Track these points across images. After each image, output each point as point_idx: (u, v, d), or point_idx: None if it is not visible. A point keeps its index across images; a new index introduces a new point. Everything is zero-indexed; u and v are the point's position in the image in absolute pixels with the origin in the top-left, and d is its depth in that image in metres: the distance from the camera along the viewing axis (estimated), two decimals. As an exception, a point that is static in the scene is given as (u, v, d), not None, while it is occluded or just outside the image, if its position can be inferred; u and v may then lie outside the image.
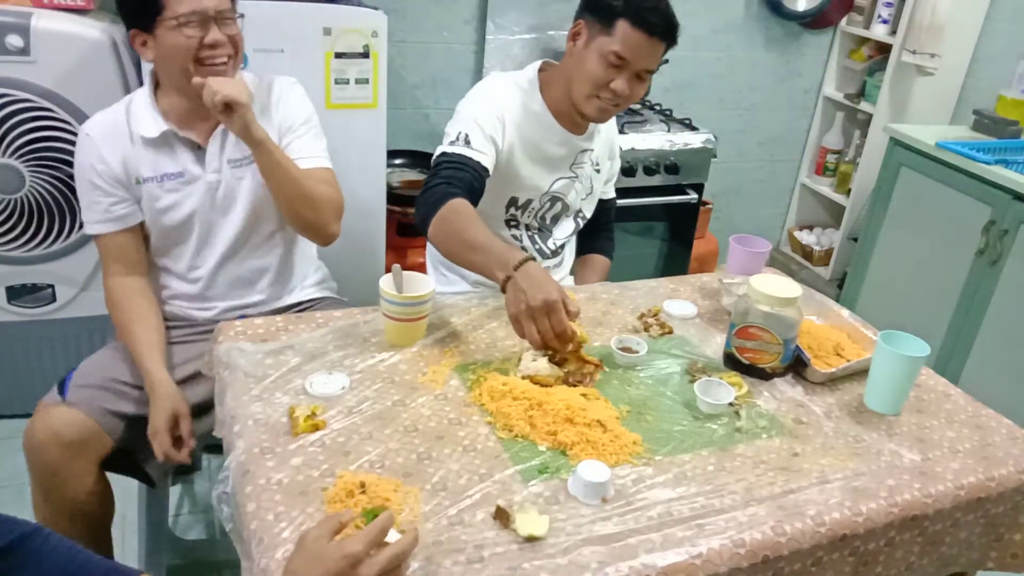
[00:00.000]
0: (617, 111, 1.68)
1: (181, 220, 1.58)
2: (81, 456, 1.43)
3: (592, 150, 1.79)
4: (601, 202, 1.92)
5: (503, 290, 1.34)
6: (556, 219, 1.81)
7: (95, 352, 1.59)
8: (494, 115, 1.63)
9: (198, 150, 1.57)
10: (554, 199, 1.77)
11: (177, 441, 1.46)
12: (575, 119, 1.69)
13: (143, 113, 1.54)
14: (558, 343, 1.29)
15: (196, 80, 1.43)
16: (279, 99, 1.63)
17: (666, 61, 2.90)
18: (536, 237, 1.80)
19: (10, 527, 0.90)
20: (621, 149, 1.92)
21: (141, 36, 1.47)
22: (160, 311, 1.60)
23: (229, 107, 1.41)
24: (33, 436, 1.42)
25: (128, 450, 1.50)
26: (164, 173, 1.55)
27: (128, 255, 1.58)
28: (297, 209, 1.55)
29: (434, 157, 1.62)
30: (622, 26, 1.52)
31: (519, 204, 1.74)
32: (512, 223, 1.77)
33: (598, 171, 1.83)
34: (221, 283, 1.65)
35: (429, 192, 1.52)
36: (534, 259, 1.33)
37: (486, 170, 1.58)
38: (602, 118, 1.67)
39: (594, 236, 1.97)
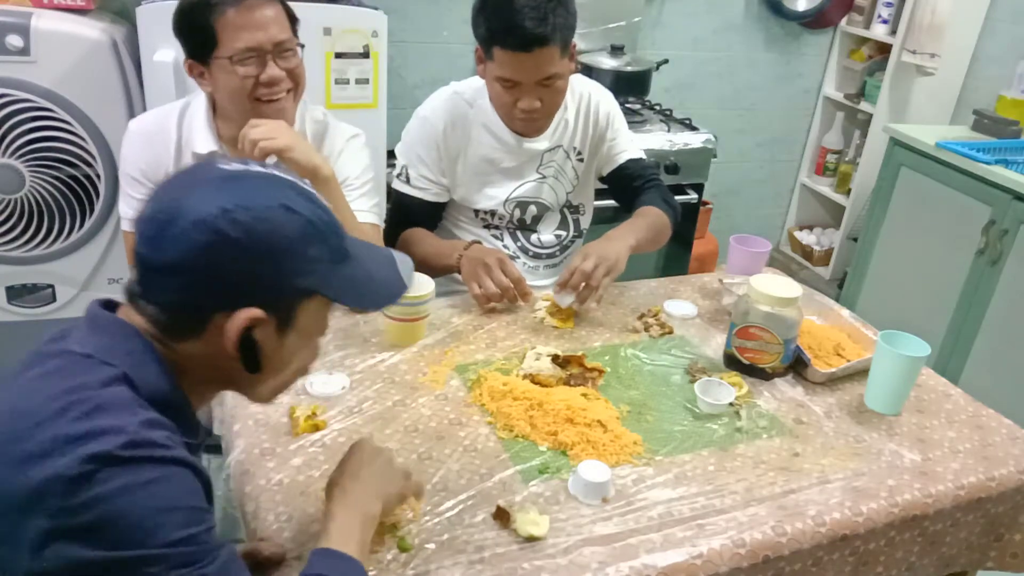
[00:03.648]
0: (546, 116, 1.62)
1: None
2: None
3: (559, 146, 1.72)
4: (621, 168, 1.77)
5: (459, 270, 1.53)
6: (537, 219, 1.77)
7: None
8: (430, 145, 1.66)
9: None
10: (522, 204, 1.74)
11: None
12: None
13: (200, 128, 1.47)
14: (516, 292, 1.50)
15: (242, 133, 1.35)
16: (333, 152, 1.54)
17: (665, 61, 2.92)
18: (518, 234, 1.77)
19: None
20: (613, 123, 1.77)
21: (197, 67, 1.39)
22: None
23: (271, 155, 1.34)
24: None
25: None
26: None
27: None
28: None
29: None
30: (496, 52, 1.49)
31: (485, 211, 1.74)
32: (487, 225, 1.76)
33: (581, 159, 1.76)
34: None
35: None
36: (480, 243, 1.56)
37: (428, 203, 1.71)
38: (533, 131, 1.66)
39: (633, 196, 1.78)
